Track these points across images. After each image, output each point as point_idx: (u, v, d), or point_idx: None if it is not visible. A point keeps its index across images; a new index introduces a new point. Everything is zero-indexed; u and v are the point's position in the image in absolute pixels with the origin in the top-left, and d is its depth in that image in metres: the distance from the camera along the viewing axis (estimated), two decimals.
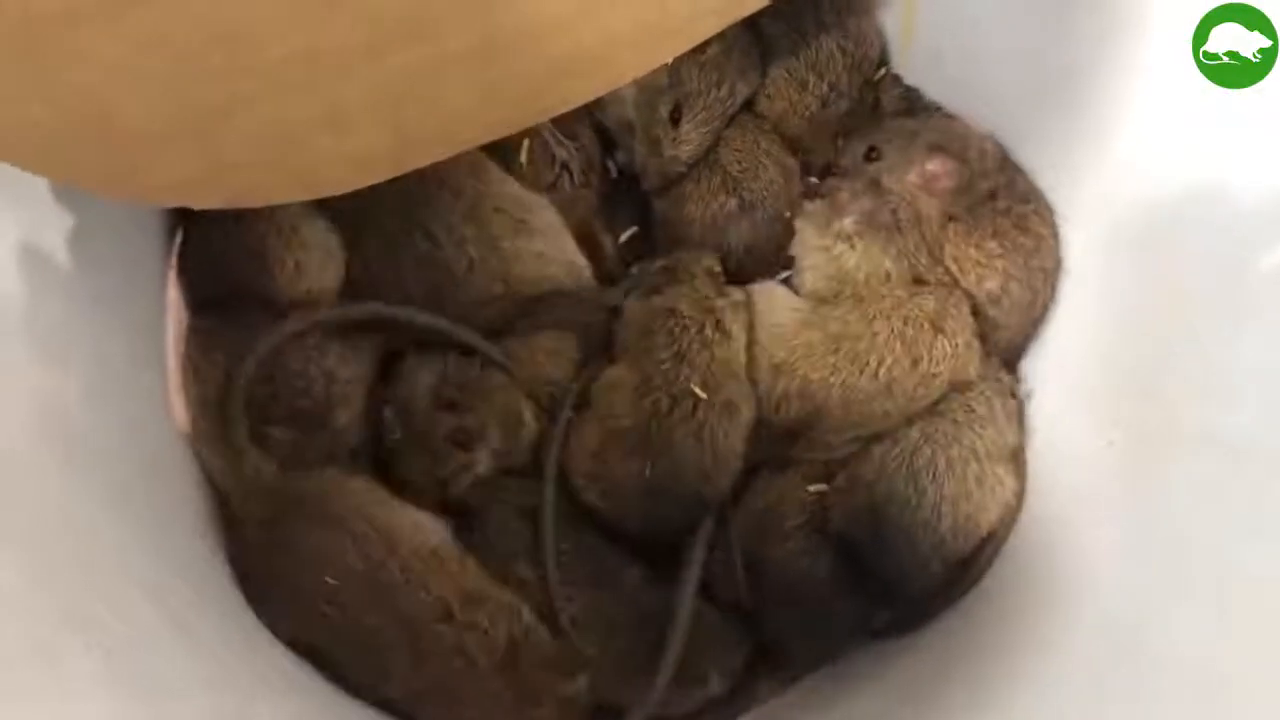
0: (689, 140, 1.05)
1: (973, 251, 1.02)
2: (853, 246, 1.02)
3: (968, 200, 1.03)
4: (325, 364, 0.96)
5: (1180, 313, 0.87)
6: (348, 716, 0.93)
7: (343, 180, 0.86)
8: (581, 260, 1.06)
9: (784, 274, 1.08)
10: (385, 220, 1.00)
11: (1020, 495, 1.00)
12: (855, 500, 0.99)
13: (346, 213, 1.00)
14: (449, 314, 1.00)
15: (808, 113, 1.09)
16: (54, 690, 0.67)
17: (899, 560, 0.98)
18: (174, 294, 0.99)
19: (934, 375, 0.99)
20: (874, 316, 0.99)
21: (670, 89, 1.03)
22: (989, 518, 0.98)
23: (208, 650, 0.83)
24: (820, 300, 1.03)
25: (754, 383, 1.01)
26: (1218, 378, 0.83)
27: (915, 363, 0.98)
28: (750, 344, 1.02)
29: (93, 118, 0.73)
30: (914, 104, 1.10)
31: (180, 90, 0.73)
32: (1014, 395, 1.02)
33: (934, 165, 1.02)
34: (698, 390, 0.97)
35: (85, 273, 0.87)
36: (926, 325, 0.99)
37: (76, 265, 0.86)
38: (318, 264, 0.99)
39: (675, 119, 1.04)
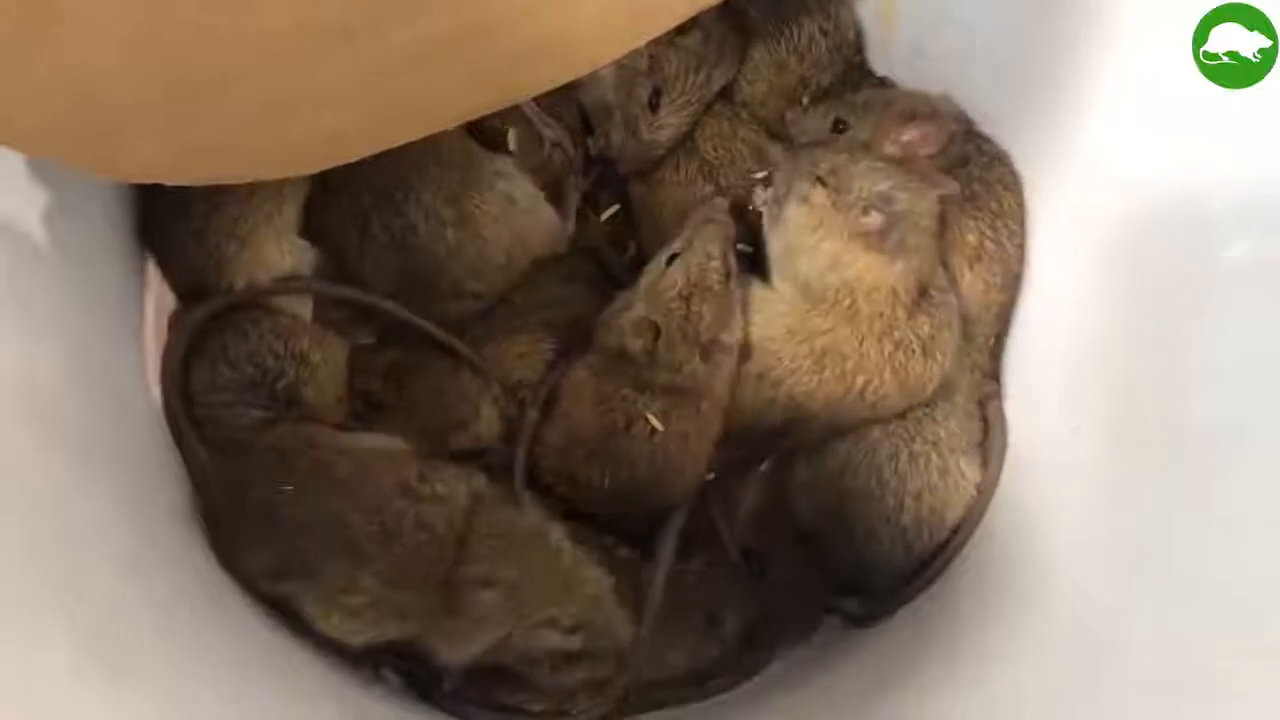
0: (667, 125, 1.05)
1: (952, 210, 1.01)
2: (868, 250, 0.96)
3: (943, 164, 1.02)
4: (298, 347, 0.98)
5: (1173, 311, 0.88)
6: (327, 696, 0.93)
7: (319, 158, 0.86)
8: (561, 226, 1.07)
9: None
10: (358, 203, 1.00)
11: (985, 487, 1.00)
12: (820, 494, 1.00)
13: (317, 201, 1.01)
14: (422, 302, 1.01)
15: (786, 93, 1.09)
16: (29, 672, 0.66)
17: (862, 553, 0.99)
18: (153, 272, 0.99)
19: (919, 393, 0.99)
20: (865, 336, 0.96)
21: (649, 74, 1.03)
22: (954, 512, 0.99)
23: (188, 631, 0.83)
24: (805, 293, 0.99)
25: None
26: (1193, 374, 0.84)
27: (902, 386, 0.97)
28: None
29: (74, 90, 0.72)
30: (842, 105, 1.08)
31: (168, 65, 0.73)
32: (982, 395, 1.02)
33: (912, 132, 1.01)
34: (654, 420, 0.98)
35: (62, 250, 0.86)
36: (918, 351, 0.97)
37: (53, 242, 0.85)
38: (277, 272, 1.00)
39: (654, 104, 1.04)
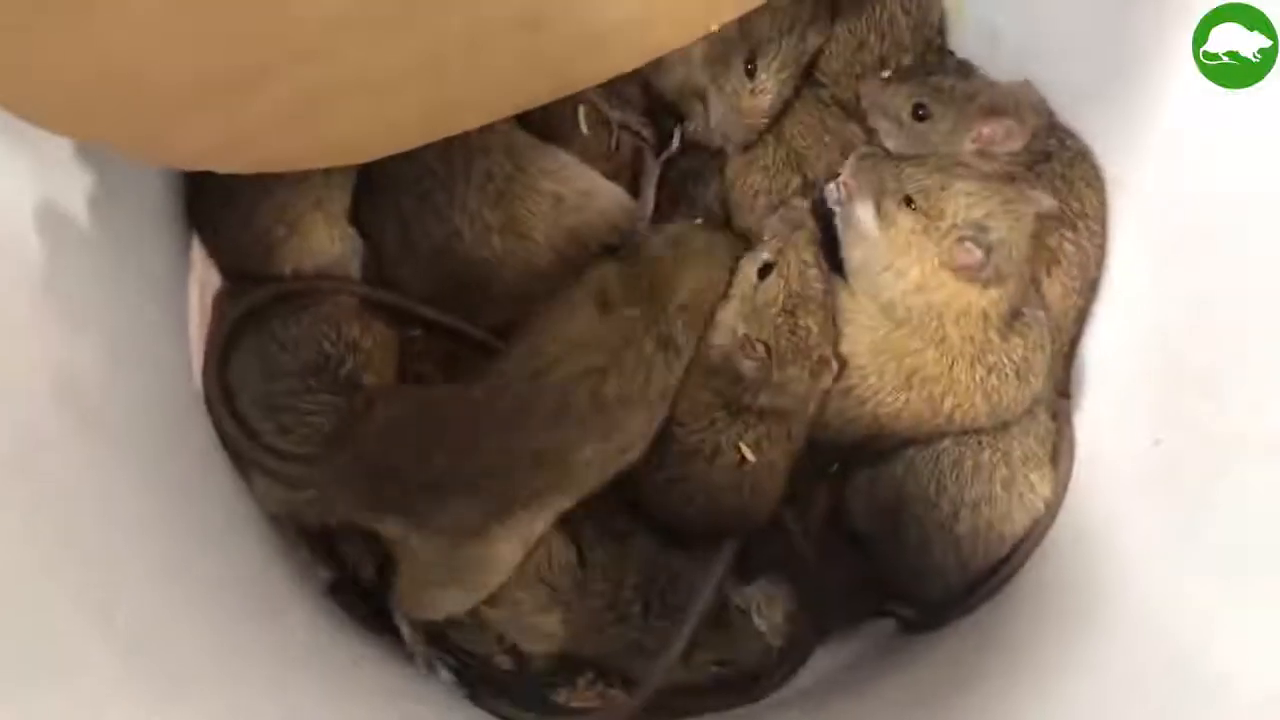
0: (767, 89, 1.00)
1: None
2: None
3: (1026, 159, 0.97)
4: (350, 335, 0.95)
5: (1203, 313, 0.86)
6: (372, 688, 0.92)
7: (371, 147, 0.84)
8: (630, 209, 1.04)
9: None
10: (398, 206, 0.98)
11: (1054, 505, 0.96)
12: (878, 496, 0.97)
13: (362, 196, 0.99)
14: (471, 305, 0.99)
15: (865, 72, 1.04)
16: (69, 670, 0.65)
17: (913, 561, 0.96)
18: (199, 259, 0.97)
19: (1010, 415, 0.95)
20: (955, 360, 0.92)
21: (741, 39, 0.98)
22: (1014, 527, 0.95)
23: (227, 628, 0.81)
24: (887, 311, 0.94)
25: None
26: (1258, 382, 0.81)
27: (994, 409, 0.93)
28: None
29: (123, 77, 0.70)
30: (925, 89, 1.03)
31: (214, 51, 0.71)
32: (1055, 408, 0.98)
33: (994, 128, 0.96)
34: (746, 451, 0.93)
35: (106, 236, 0.84)
36: (1011, 374, 0.92)
37: (98, 228, 0.83)
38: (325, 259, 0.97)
39: (750, 70, 0.99)
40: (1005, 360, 0.92)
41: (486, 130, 0.88)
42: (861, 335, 0.94)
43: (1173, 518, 0.84)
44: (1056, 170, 0.96)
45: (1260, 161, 0.80)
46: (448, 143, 0.87)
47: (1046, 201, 0.92)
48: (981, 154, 0.96)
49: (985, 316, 0.91)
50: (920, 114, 0.99)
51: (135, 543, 0.77)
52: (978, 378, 0.92)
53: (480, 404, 0.89)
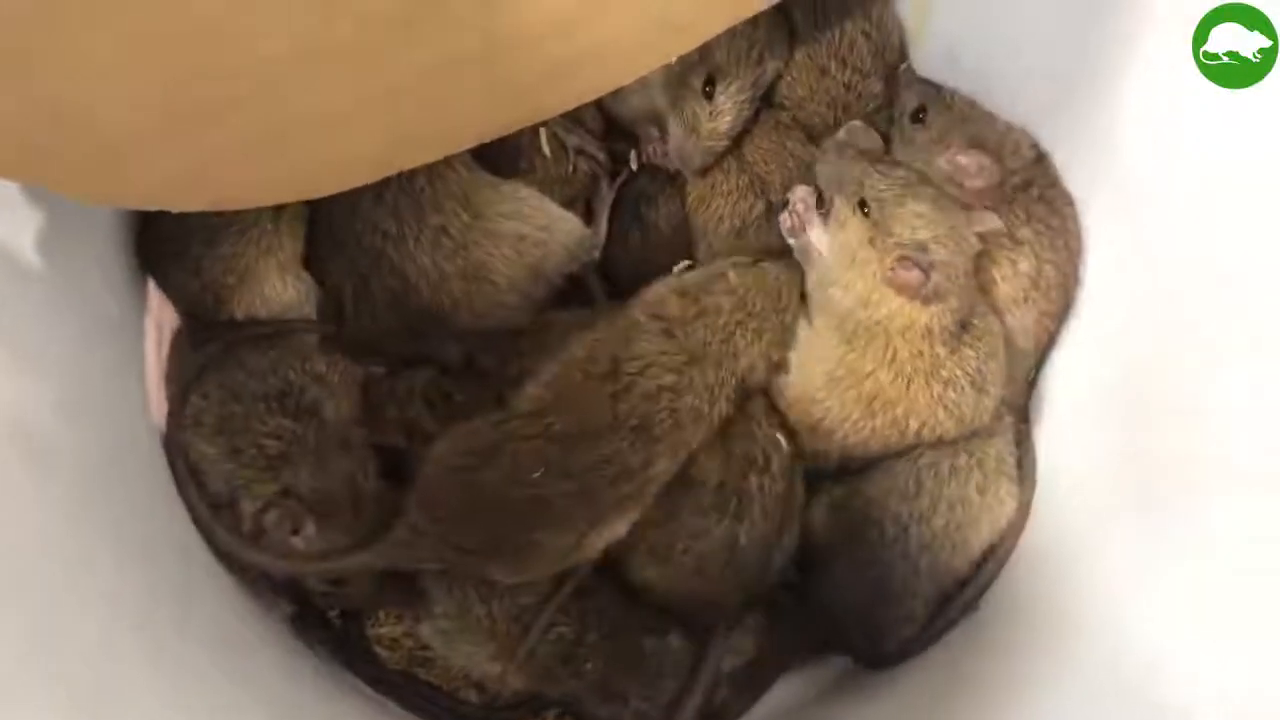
0: (725, 112, 1.00)
1: (1005, 241, 0.96)
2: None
3: (996, 197, 0.96)
4: (315, 368, 0.95)
5: (1188, 329, 0.85)
6: None
7: (328, 182, 0.83)
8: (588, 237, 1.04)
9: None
10: (354, 262, 0.97)
11: (1017, 524, 0.96)
12: (846, 505, 0.96)
13: (319, 243, 0.98)
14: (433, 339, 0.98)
15: (828, 98, 1.04)
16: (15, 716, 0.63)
17: (872, 576, 0.94)
18: (155, 297, 0.95)
19: (977, 423, 0.95)
20: (910, 379, 0.92)
21: (700, 63, 0.98)
22: (979, 535, 0.94)
23: (190, 679, 0.79)
24: (839, 330, 0.94)
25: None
26: (1234, 407, 0.80)
27: (959, 422, 0.94)
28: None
29: (73, 120, 0.69)
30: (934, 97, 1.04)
31: (167, 90, 0.70)
32: (1019, 434, 0.98)
33: (967, 158, 0.96)
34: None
35: (56, 275, 0.82)
36: (967, 387, 0.93)
37: (47, 267, 0.81)
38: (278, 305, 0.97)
39: (708, 93, 0.99)
40: (959, 373, 0.92)
41: (437, 179, 0.90)
42: (816, 368, 0.95)
43: (1140, 543, 0.84)
44: (1034, 194, 0.97)
45: (1260, 162, 0.80)
46: (397, 200, 0.90)
47: (992, 221, 0.92)
48: (950, 178, 0.96)
49: (929, 332, 0.91)
50: (919, 117, 1.00)
51: (86, 585, 0.74)
52: (935, 394, 0.92)
53: (555, 431, 0.88)
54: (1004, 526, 0.95)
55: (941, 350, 0.92)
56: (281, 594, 0.97)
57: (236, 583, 0.93)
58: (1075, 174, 0.98)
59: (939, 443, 0.95)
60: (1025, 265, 0.96)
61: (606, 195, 1.07)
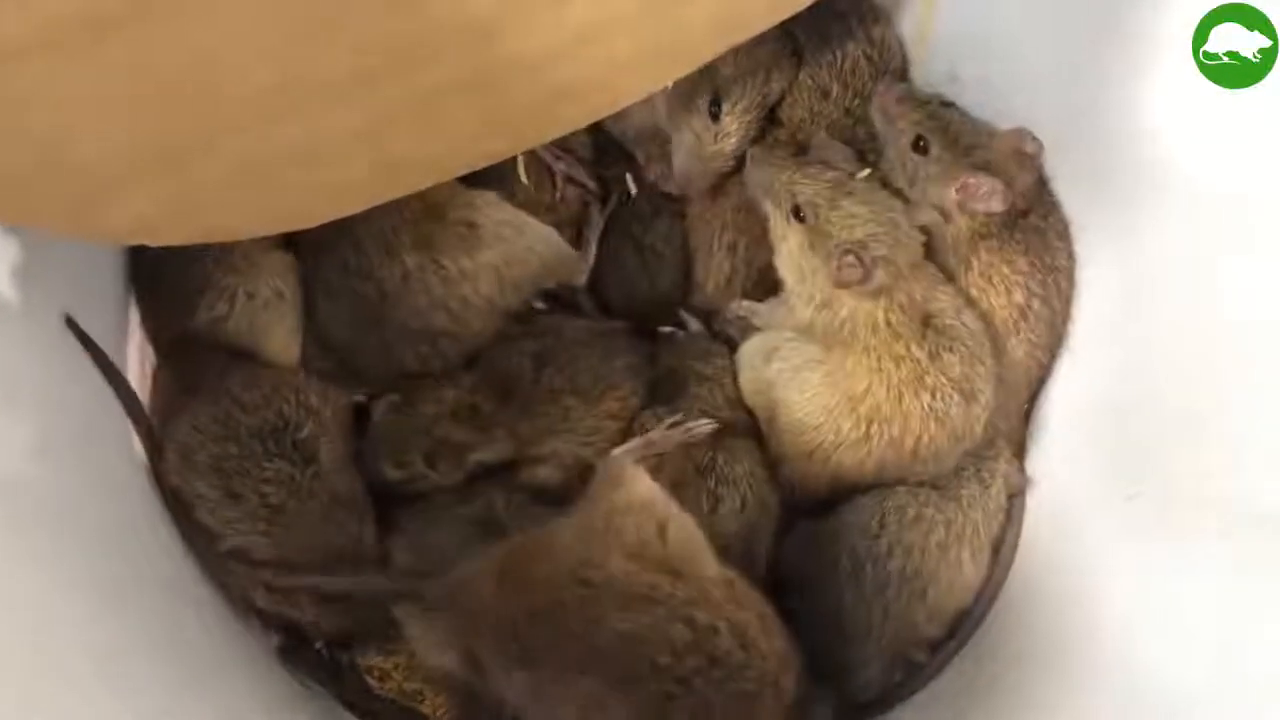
0: (731, 132, 0.99)
1: (1004, 269, 0.95)
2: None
3: (1001, 220, 0.95)
4: (309, 400, 0.93)
5: (1190, 344, 0.84)
6: None
7: (316, 212, 0.81)
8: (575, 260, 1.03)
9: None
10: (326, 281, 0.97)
11: (986, 590, 0.95)
12: (817, 541, 0.95)
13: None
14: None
15: (827, 122, 1.02)
16: None
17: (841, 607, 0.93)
18: (138, 325, 0.94)
19: (970, 437, 0.94)
20: (901, 393, 0.91)
21: (704, 80, 0.97)
22: (939, 589, 0.93)
23: (169, 702, 0.77)
24: (819, 347, 0.95)
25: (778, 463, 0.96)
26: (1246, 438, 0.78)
27: (951, 435, 0.92)
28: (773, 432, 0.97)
29: (54, 159, 0.67)
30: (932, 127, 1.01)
31: (150, 125, 0.68)
32: (1011, 488, 0.97)
33: (978, 182, 0.94)
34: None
35: (37, 311, 0.80)
36: (955, 395, 0.91)
37: (26, 303, 0.79)
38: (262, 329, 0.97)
39: (714, 113, 0.98)
40: (944, 380, 0.91)
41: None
42: (813, 401, 0.94)
43: (1151, 579, 0.82)
44: (1031, 224, 0.96)
45: (1260, 162, 0.80)
46: (364, 244, 0.92)
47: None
48: (961, 205, 0.95)
49: (890, 325, 0.91)
50: (920, 145, 0.97)
51: (74, 653, 0.72)
52: (924, 405, 0.91)
53: None
54: (966, 596, 0.94)
55: (920, 353, 0.91)
56: (271, 624, 0.95)
57: (223, 617, 0.91)
58: (1076, 182, 0.97)
59: (935, 466, 0.94)
60: (1018, 296, 0.95)
61: (597, 222, 1.06)
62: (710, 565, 0.82)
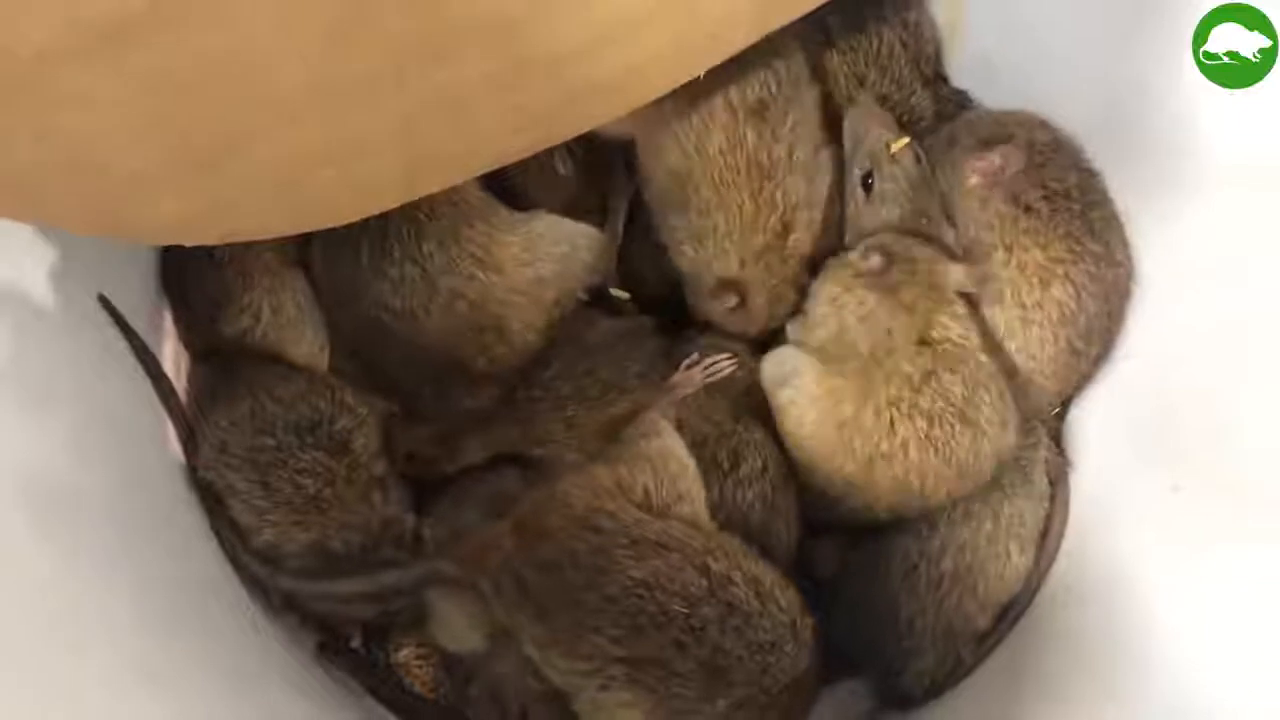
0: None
1: (1038, 254, 0.92)
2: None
3: (1040, 189, 0.92)
4: (344, 397, 0.94)
5: (1200, 344, 0.84)
6: None
7: (347, 210, 0.81)
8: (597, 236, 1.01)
9: None
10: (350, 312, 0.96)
11: (1033, 580, 0.93)
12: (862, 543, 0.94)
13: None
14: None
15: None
16: None
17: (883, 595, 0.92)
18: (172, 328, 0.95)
19: (979, 473, 0.90)
20: (893, 421, 0.88)
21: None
22: (988, 580, 0.91)
23: (205, 705, 0.77)
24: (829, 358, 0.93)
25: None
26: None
27: (961, 473, 0.89)
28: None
29: (84, 160, 0.67)
30: (964, 108, 1.02)
31: (180, 128, 0.67)
32: (1052, 474, 0.95)
33: (985, 161, 0.93)
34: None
35: (72, 308, 0.80)
36: (956, 423, 0.88)
37: (61, 301, 0.79)
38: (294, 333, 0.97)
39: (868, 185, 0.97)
40: (941, 405, 0.88)
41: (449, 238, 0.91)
42: (817, 443, 0.92)
43: (1193, 567, 0.80)
44: (1075, 209, 0.92)
45: (1260, 162, 0.80)
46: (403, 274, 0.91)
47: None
48: (991, 185, 0.93)
49: (889, 334, 0.90)
50: (869, 185, 0.96)
51: (110, 656, 0.72)
52: (920, 432, 0.88)
53: None
54: (1014, 585, 0.93)
55: (909, 368, 0.88)
56: (308, 623, 0.95)
57: (260, 616, 0.91)
58: (1115, 167, 0.95)
59: (949, 500, 0.91)
60: (1058, 291, 0.92)
61: (624, 187, 1.02)
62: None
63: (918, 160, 0.97)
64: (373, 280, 0.91)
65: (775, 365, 0.95)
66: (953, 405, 0.88)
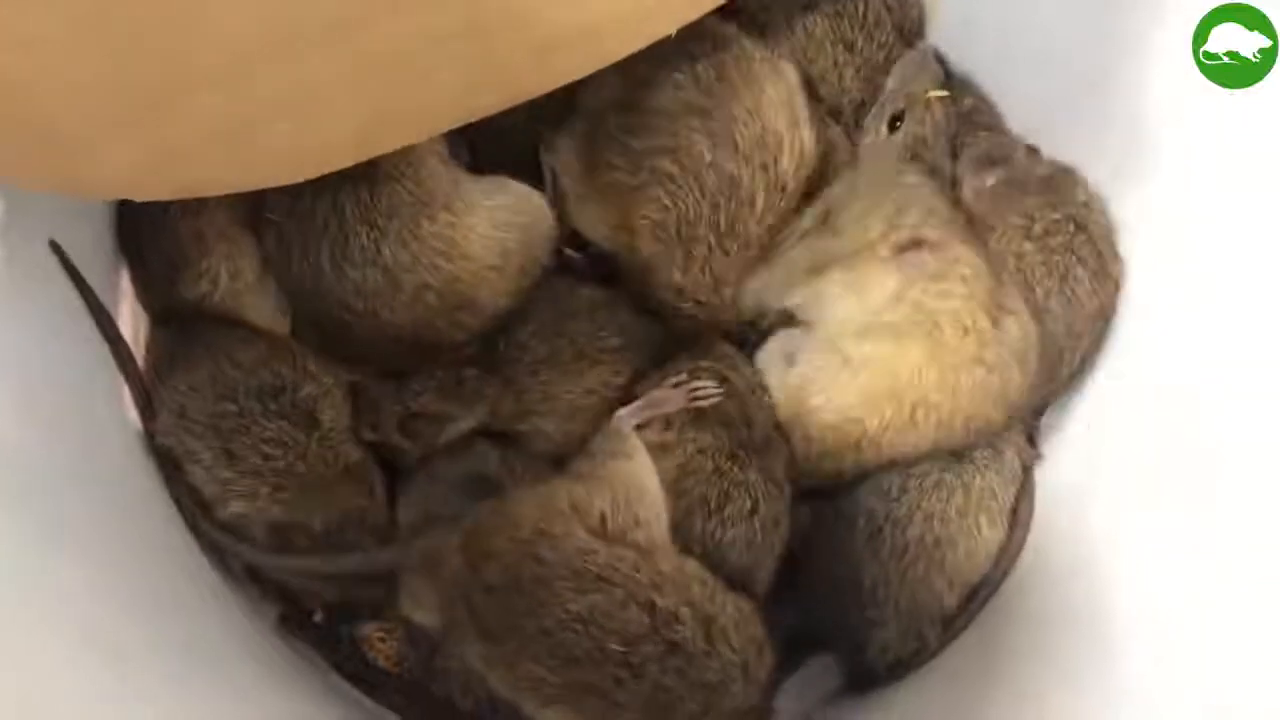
0: None
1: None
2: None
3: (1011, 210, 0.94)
4: (306, 364, 0.91)
5: (1196, 339, 0.84)
6: None
7: (301, 167, 0.79)
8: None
9: None
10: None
11: (1004, 555, 0.92)
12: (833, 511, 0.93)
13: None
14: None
15: (852, 72, 1.00)
16: None
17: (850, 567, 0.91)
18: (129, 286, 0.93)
19: (1019, 404, 0.90)
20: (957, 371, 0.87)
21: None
22: (957, 556, 0.90)
23: (168, 692, 0.75)
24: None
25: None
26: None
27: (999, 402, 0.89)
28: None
29: (24, 109, 0.66)
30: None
31: (125, 74, 0.66)
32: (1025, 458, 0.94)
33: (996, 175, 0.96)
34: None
35: (20, 264, 0.78)
36: (1014, 363, 0.88)
37: (10, 256, 0.77)
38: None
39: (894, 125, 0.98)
40: (1005, 353, 0.87)
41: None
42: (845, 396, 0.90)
43: (1172, 537, 0.80)
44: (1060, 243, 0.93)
45: (1260, 162, 0.79)
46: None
47: None
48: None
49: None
50: (895, 125, 0.98)
51: (72, 631, 0.70)
52: (978, 379, 0.87)
53: None
54: (983, 564, 0.91)
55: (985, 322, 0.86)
56: (269, 594, 0.94)
57: (219, 588, 0.90)
58: (1094, 140, 0.95)
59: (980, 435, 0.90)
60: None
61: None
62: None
63: (947, 119, 0.99)
64: (335, 285, 0.89)
65: (778, 350, 0.94)
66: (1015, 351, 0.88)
